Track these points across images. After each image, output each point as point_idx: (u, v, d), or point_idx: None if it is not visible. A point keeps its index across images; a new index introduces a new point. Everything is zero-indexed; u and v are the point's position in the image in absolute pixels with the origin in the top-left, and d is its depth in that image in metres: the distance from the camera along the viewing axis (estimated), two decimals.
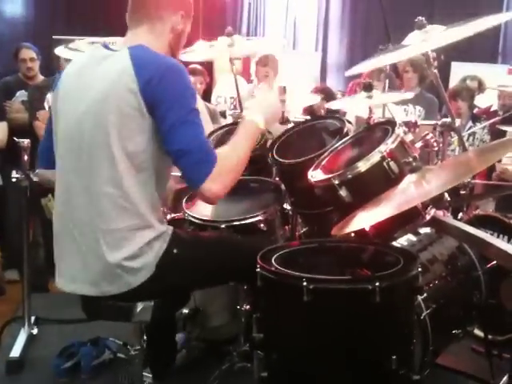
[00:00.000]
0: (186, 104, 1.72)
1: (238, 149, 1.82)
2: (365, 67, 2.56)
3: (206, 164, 1.70)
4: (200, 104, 3.08)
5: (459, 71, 7.04)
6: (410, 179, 1.80)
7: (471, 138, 4.46)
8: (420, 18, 2.06)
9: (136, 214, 1.76)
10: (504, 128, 3.74)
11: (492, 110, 5.21)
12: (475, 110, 4.91)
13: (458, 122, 2.45)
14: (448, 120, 2.47)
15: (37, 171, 2.14)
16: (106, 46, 1.86)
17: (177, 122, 1.69)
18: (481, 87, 5.32)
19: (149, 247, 1.78)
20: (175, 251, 1.83)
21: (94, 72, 1.79)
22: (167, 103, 1.69)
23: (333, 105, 2.97)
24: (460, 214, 3.00)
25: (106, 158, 1.72)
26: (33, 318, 3.16)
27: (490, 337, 2.51)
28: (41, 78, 4.41)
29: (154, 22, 1.87)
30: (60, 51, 3.06)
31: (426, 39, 2.10)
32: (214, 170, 1.69)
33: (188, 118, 1.71)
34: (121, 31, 2.99)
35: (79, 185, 1.78)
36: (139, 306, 1.82)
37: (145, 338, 2.12)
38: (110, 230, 1.74)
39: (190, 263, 1.88)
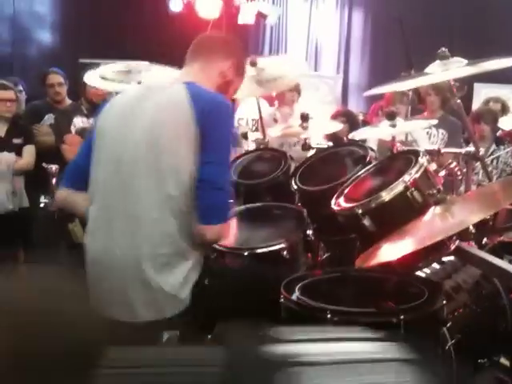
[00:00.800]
0: (227, 147, 1.84)
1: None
2: (384, 89, 2.57)
3: (224, 212, 1.82)
4: None
5: (482, 92, 7.02)
6: (434, 211, 1.80)
7: (495, 161, 4.42)
8: (443, 49, 2.08)
9: (176, 241, 1.80)
10: None
11: None
12: (499, 133, 4.87)
13: (482, 150, 2.44)
14: (472, 149, 2.46)
15: (59, 190, 2.16)
16: (159, 85, 1.98)
17: (215, 160, 1.79)
18: (504, 109, 5.28)
19: (187, 278, 1.82)
20: (206, 282, 1.87)
21: (149, 103, 1.87)
22: (213, 139, 1.79)
23: (356, 134, 2.98)
24: (484, 240, 2.97)
25: (156, 184, 1.78)
26: None
27: None
28: (68, 102, 4.49)
29: (205, 62, 1.99)
30: (89, 79, 3.11)
31: (447, 69, 2.12)
32: (223, 224, 1.81)
33: (225, 161, 1.83)
34: (145, 55, 3.06)
35: (124, 209, 1.81)
36: (166, 335, 1.83)
37: None
38: (156, 255, 1.78)
39: (219, 294, 1.89)
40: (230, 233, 1.95)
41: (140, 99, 1.91)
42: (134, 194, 1.80)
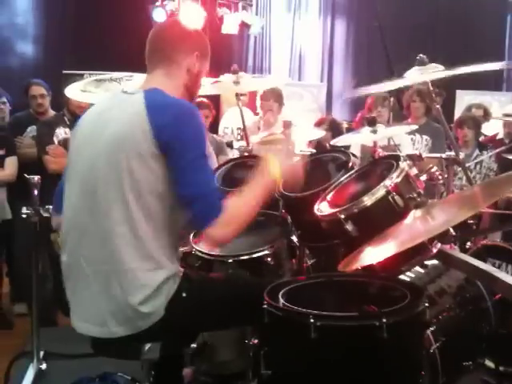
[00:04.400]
0: (198, 149, 1.76)
1: (248, 198, 1.84)
2: (365, 91, 2.60)
3: (214, 209, 1.72)
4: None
5: (464, 99, 7.11)
6: (415, 214, 1.81)
7: (478, 167, 4.47)
8: (421, 55, 2.10)
9: (148, 255, 1.76)
10: (510, 157, 3.74)
11: (498, 137, 5.23)
12: (481, 138, 4.93)
13: (462, 155, 2.47)
14: (452, 153, 2.48)
15: (52, 217, 2.14)
16: (125, 92, 1.90)
17: (188, 166, 1.72)
18: (486, 115, 5.35)
19: (160, 291, 1.78)
20: (184, 295, 1.83)
21: (110, 115, 1.83)
22: (180, 147, 1.73)
23: (338, 141, 3.00)
24: (468, 244, 2.99)
25: (119, 199, 1.74)
26: (41, 353, 3.15)
27: (501, 368, 2.48)
28: (52, 113, 4.47)
29: (169, 64, 1.91)
30: (70, 93, 3.09)
31: (425, 74, 2.14)
32: (222, 216, 1.72)
33: (200, 162, 1.74)
34: (129, 66, 3.06)
35: (92, 224, 1.79)
36: (147, 345, 1.82)
37: (153, 373, 2.11)
38: (123, 270, 1.75)
39: (198, 307, 1.87)
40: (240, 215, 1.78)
41: (102, 113, 1.87)
42: (99, 210, 1.77)
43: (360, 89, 2.48)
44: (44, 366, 3.12)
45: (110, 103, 1.90)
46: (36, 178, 3.04)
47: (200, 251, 2.40)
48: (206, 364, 2.57)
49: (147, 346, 1.82)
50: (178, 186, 1.74)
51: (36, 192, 3.01)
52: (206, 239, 1.80)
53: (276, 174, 1.92)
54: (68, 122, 4.02)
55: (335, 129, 4.60)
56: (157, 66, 1.92)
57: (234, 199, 1.80)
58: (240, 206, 1.80)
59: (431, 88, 2.20)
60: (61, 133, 4.05)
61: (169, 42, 1.94)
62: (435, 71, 2.11)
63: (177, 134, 1.73)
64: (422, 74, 2.12)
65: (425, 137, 4.45)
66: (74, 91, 3.04)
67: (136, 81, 2.82)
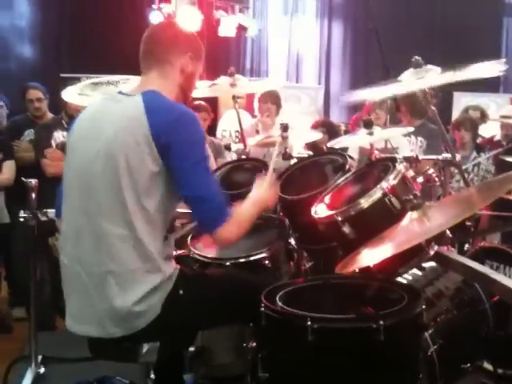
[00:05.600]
0: (199, 151, 1.79)
1: (250, 208, 1.95)
2: (361, 96, 2.59)
3: (222, 211, 1.79)
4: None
5: (462, 101, 7.12)
6: (411, 216, 1.81)
7: (476, 169, 4.47)
8: (416, 57, 2.10)
9: (145, 255, 1.77)
10: (508, 159, 3.74)
11: (495, 139, 5.23)
12: (479, 140, 4.93)
13: (458, 156, 2.47)
14: (448, 155, 2.49)
15: (55, 219, 2.15)
16: (121, 93, 1.92)
17: (191, 168, 1.75)
18: (483, 117, 5.35)
19: (156, 290, 1.79)
20: (181, 292, 1.84)
21: (108, 116, 1.84)
22: (181, 149, 1.75)
23: (335, 143, 3.00)
24: (466, 246, 2.99)
25: (117, 200, 1.75)
26: (39, 357, 3.15)
27: (499, 371, 2.48)
28: (50, 116, 4.46)
29: (163, 66, 1.93)
30: (67, 96, 3.09)
31: (421, 77, 2.14)
32: (229, 219, 1.79)
33: (202, 165, 1.78)
34: (126, 69, 3.06)
35: (89, 226, 1.79)
36: (145, 347, 1.82)
37: (152, 376, 2.11)
38: (120, 271, 1.76)
39: (195, 304, 1.88)
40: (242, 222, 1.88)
41: (98, 115, 1.88)
42: (96, 212, 1.78)
43: (356, 93, 2.47)
44: (42, 370, 3.11)
45: (106, 105, 1.90)
46: (33, 181, 3.03)
47: (198, 254, 2.40)
48: (204, 367, 2.57)
49: (145, 348, 1.82)
50: (182, 188, 1.77)
51: (34, 195, 3.00)
52: (214, 240, 1.86)
53: (265, 200, 2.05)
54: (66, 126, 4.01)
55: (332, 131, 4.60)
56: (151, 68, 1.94)
57: (241, 205, 1.91)
58: (243, 214, 1.90)
59: (426, 90, 2.20)
60: (59, 136, 4.04)
61: (162, 44, 1.96)
62: (431, 74, 2.11)
63: (177, 135, 1.75)
64: (418, 78, 2.12)
65: (419, 138, 4.44)
66: (70, 94, 3.03)
67: (133, 83, 2.82)
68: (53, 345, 3.40)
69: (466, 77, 1.98)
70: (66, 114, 4.09)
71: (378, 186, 1.96)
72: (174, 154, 1.74)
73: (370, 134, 2.62)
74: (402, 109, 4.47)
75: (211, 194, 1.78)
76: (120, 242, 1.75)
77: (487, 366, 2.54)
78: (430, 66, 2.12)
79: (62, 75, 5.95)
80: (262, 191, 2.05)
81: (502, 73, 1.88)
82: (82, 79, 3.29)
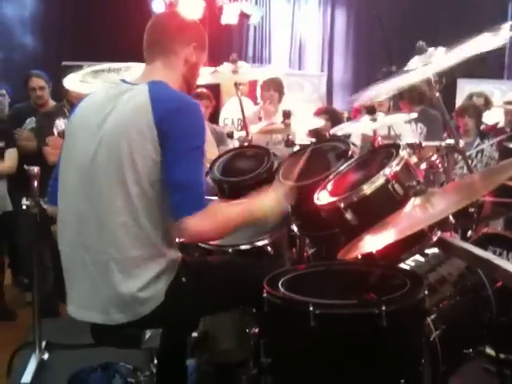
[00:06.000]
0: (194, 140, 1.76)
1: (235, 210, 1.86)
2: (369, 97, 2.54)
3: (198, 201, 1.72)
4: (206, 127, 3.12)
5: (466, 88, 7.08)
6: (414, 203, 1.80)
7: (479, 155, 4.46)
8: (420, 42, 2.08)
9: (149, 243, 1.78)
10: (511, 145, 3.73)
11: (499, 126, 5.21)
12: (482, 127, 4.92)
13: (461, 142, 2.45)
14: (452, 141, 2.47)
15: (46, 206, 2.14)
16: (124, 81, 1.92)
17: (181, 154, 1.73)
18: (487, 104, 5.34)
19: (159, 277, 1.79)
20: (184, 279, 1.85)
21: (112, 104, 1.83)
22: (176, 136, 1.74)
23: (338, 130, 2.99)
24: (469, 233, 2.99)
25: (120, 187, 1.74)
26: (43, 344, 3.17)
27: (502, 356, 2.48)
28: (52, 104, 4.46)
29: (167, 56, 1.93)
30: (68, 83, 3.08)
31: (428, 63, 2.12)
32: (203, 210, 1.70)
33: (192, 153, 1.75)
34: (128, 57, 3.05)
35: (92, 213, 1.79)
36: (148, 333, 1.83)
37: (155, 362, 2.12)
38: (123, 258, 1.76)
39: (198, 291, 1.89)
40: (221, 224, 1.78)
41: (101, 103, 1.87)
42: (99, 200, 1.77)
43: (365, 93, 2.43)
44: (46, 357, 3.14)
45: (109, 93, 1.89)
46: (36, 169, 3.04)
47: None
48: (207, 353, 2.58)
49: (148, 334, 1.83)
50: (167, 172, 1.73)
51: (36, 183, 3.01)
52: (179, 229, 1.74)
53: (269, 209, 1.96)
54: (68, 113, 4.01)
55: (334, 118, 4.59)
56: (156, 58, 1.94)
57: (221, 204, 1.86)
58: (223, 211, 1.82)
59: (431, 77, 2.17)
60: (60, 124, 4.03)
61: (167, 34, 1.96)
62: (437, 58, 2.07)
63: (175, 123, 1.74)
64: (426, 65, 2.08)
65: (419, 124, 4.43)
66: (72, 82, 3.02)
67: (134, 71, 2.81)
68: (57, 331, 3.42)
69: (473, 52, 1.94)
70: (67, 102, 4.08)
71: (381, 172, 1.95)
72: (168, 142, 1.73)
73: (374, 120, 2.61)
74: (405, 96, 4.45)
75: (191, 181, 1.72)
76: (123, 230, 1.75)
77: (489, 351, 2.55)
78: (432, 49, 2.09)
79: (63, 63, 5.93)
80: (267, 200, 1.98)
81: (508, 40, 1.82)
82: (84, 67, 3.27)
